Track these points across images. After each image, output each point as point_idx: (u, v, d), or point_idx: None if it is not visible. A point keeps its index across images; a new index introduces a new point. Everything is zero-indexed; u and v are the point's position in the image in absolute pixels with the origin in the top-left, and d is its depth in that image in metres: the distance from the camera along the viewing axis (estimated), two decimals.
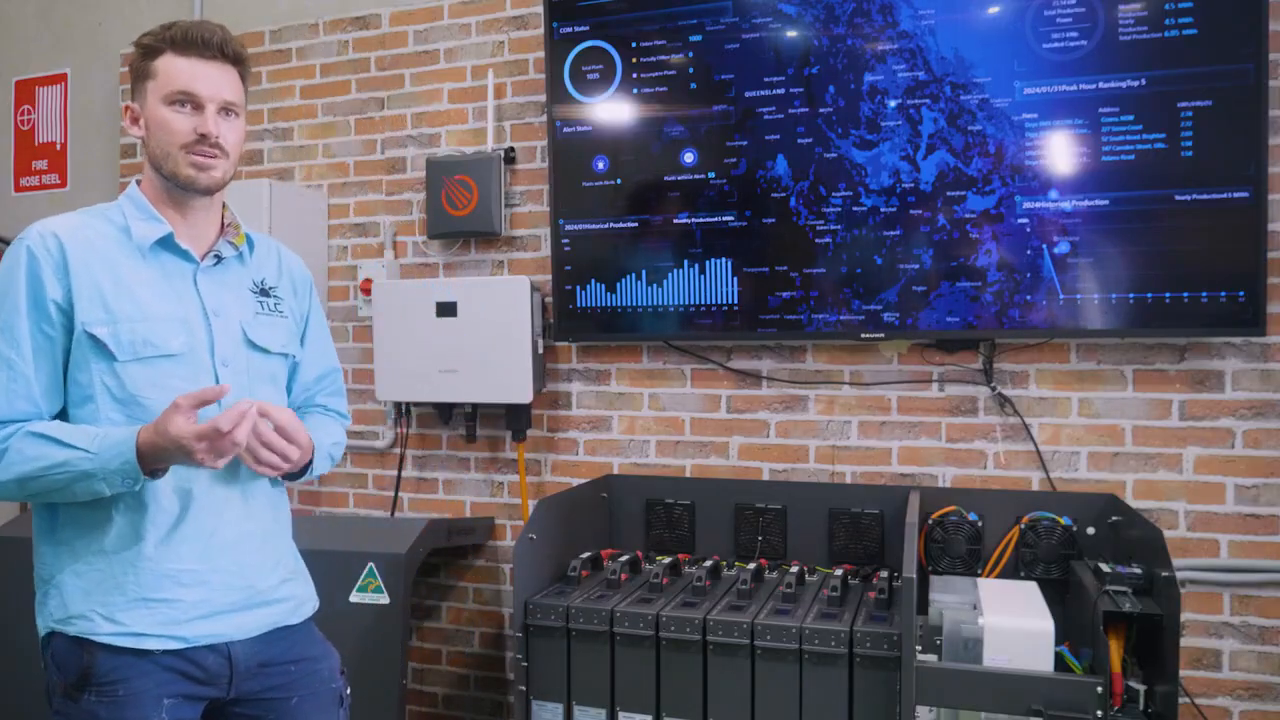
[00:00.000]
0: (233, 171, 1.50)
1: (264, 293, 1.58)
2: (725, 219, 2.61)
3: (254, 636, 1.50)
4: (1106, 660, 1.77)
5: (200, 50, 1.44)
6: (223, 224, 1.55)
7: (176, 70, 1.43)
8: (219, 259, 1.53)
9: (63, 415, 1.43)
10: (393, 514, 3.07)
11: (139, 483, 1.35)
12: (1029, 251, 2.36)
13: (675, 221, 2.67)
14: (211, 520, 1.46)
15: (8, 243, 3.84)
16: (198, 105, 1.44)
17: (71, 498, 1.38)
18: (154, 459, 1.34)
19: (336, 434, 1.70)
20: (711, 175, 2.62)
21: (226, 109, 1.47)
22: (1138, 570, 1.93)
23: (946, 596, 2.04)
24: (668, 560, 2.36)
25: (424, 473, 3.07)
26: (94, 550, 1.41)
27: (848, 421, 2.63)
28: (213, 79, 1.45)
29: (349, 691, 1.64)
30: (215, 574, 1.45)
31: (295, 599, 1.58)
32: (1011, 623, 1.82)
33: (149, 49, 1.45)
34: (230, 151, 1.48)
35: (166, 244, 1.47)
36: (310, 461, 1.54)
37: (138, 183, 1.51)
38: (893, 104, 2.45)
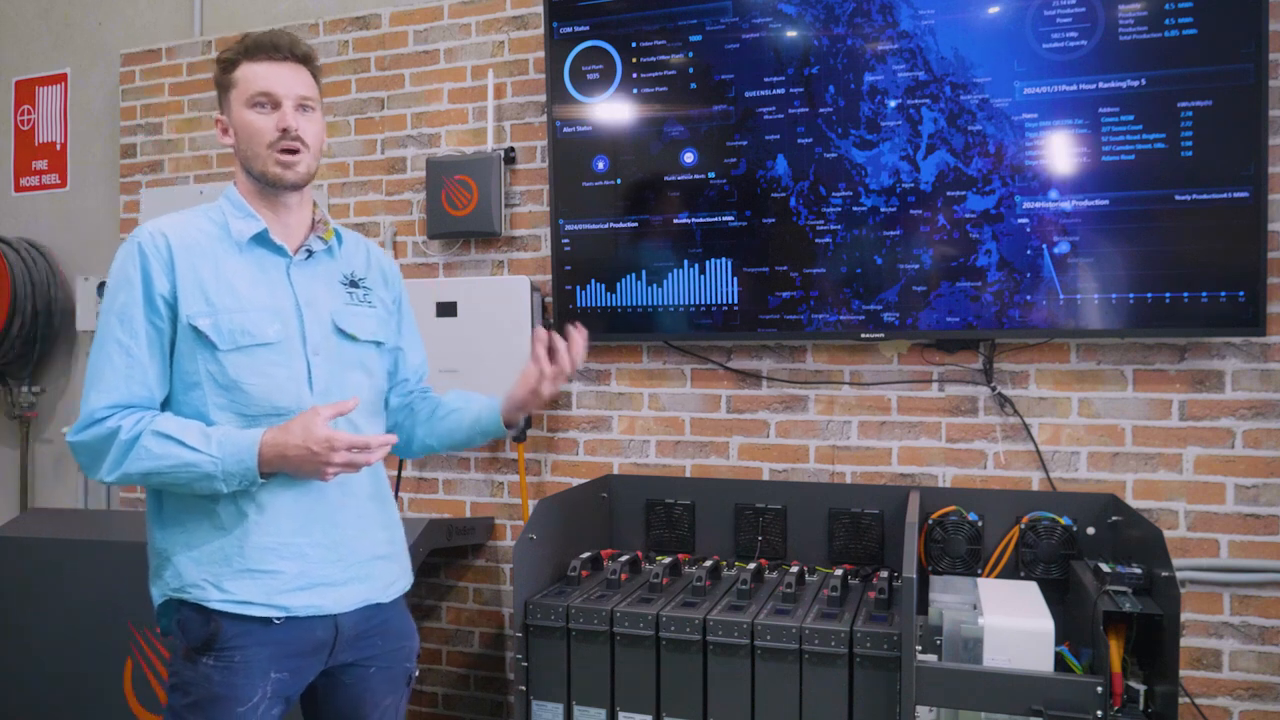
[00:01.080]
0: (316, 165, 1.62)
1: (354, 284, 1.68)
2: (725, 219, 2.61)
3: (355, 610, 1.59)
4: (1106, 660, 1.77)
5: (271, 53, 1.57)
6: (313, 220, 1.66)
7: (253, 75, 1.56)
8: (310, 253, 1.63)
9: (168, 400, 1.54)
10: None
11: (256, 485, 1.48)
12: (1029, 251, 2.36)
13: (675, 221, 2.67)
14: (309, 497, 1.55)
15: (7, 243, 3.82)
16: (276, 103, 1.55)
17: (190, 492, 1.49)
18: (274, 462, 1.46)
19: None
20: (711, 175, 2.62)
21: (302, 104, 1.58)
22: (1138, 570, 1.94)
23: (946, 596, 2.04)
24: (668, 560, 2.36)
25: (424, 472, 3.07)
26: (203, 526, 1.52)
27: (848, 421, 2.63)
28: (286, 78, 1.56)
29: (416, 674, 1.76)
30: (313, 548, 1.55)
31: (387, 576, 1.67)
32: (1011, 623, 1.82)
33: (227, 62, 1.59)
34: (311, 144, 1.58)
35: (261, 239, 1.58)
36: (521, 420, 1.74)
37: (234, 184, 1.63)
38: (893, 104, 2.45)
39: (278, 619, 1.51)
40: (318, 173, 3.23)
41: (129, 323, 1.49)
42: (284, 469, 1.47)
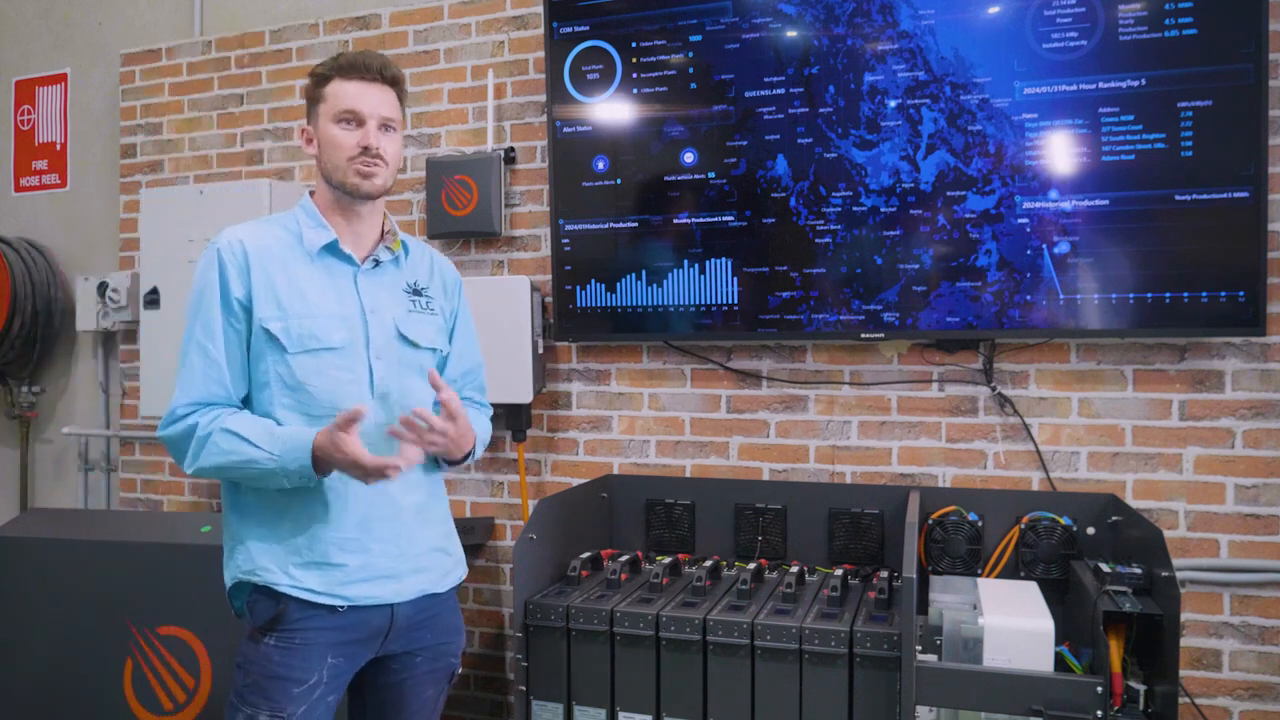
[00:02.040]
0: (393, 180, 1.69)
1: (416, 293, 1.75)
2: (725, 219, 2.61)
3: (410, 600, 1.66)
4: (1106, 660, 1.77)
5: (362, 74, 1.64)
6: (382, 231, 1.73)
7: (343, 93, 1.63)
8: (377, 263, 1.71)
9: (246, 399, 1.63)
10: None
11: (314, 482, 1.56)
12: (1029, 251, 2.36)
13: (675, 221, 2.67)
14: (372, 494, 1.61)
15: (8, 243, 3.82)
16: (360, 122, 1.63)
17: (261, 485, 1.58)
18: (325, 463, 1.53)
19: (486, 427, 1.86)
20: (711, 175, 2.62)
21: (385, 125, 1.66)
22: (1138, 570, 1.94)
23: (946, 596, 2.04)
24: (668, 560, 2.36)
25: None
26: (274, 517, 1.60)
27: (848, 421, 2.63)
28: (373, 99, 1.64)
29: (459, 670, 1.81)
30: (375, 543, 1.62)
31: (442, 567, 1.73)
32: (1011, 623, 1.82)
33: (320, 77, 1.66)
34: (390, 161, 1.66)
35: (332, 249, 1.66)
36: (471, 450, 1.72)
37: (310, 194, 1.71)
38: (893, 104, 2.45)
39: (341, 608, 1.58)
40: (314, 173, 3.23)
41: (208, 326, 1.59)
42: (334, 469, 1.54)
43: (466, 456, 1.72)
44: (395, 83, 1.68)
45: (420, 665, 1.71)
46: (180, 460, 1.59)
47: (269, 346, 1.59)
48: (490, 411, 1.92)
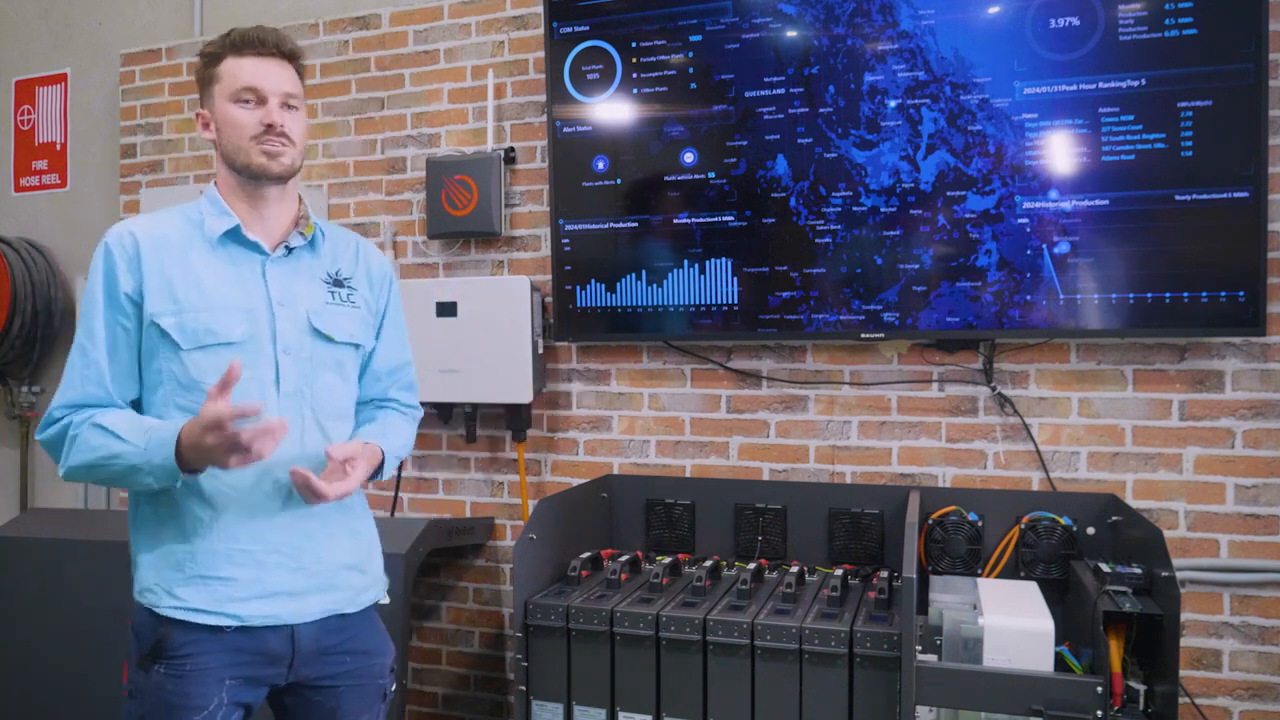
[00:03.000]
0: (301, 161, 1.59)
1: (337, 283, 1.64)
2: (725, 219, 2.61)
3: (314, 621, 1.54)
4: (1106, 660, 1.77)
5: (258, 49, 1.54)
6: (296, 217, 1.62)
7: (239, 69, 1.53)
8: (289, 250, 1.59)
9: (140, 401, 1.52)
10: (393, 514, 3.07)
11: (178, 480, 1.42)
12: (1029, 251, 2.36)
13: (675, 221, 2.67)
14: (269, 502, 1.51)
15: (8, 243, 3.82)
16: (261, 99, 1.53)
17: (132, 487, 1.48)
18: (192, 453, 1.39)
19: (407, 434, 1.76)
20: (711, 175, 2.62)
21: (288, 102, 1.55)
22: (1138, 570, 1.94)
23: (946, 596, 2.04)
24: (668, 560, 2.36)
25: (424, 473, 3.07)
26: (163, 529, 1.50)
27: (848, 421, 2.63)
28: (272, 74, 1.54)
29: (394, 688, 1.69)
30: (270, 554, 1.50)
31: (353, 587, 1.61)
32: (1011, 623, 1.82)
33: (212, 56, 1.56)
34: (297, 141, 1.56)
35: (235, 236, 1.55)
36: (381, 466, 1.62)
37: (214, 183, 1.60)
38: (893, 104, 2.45)
39: (228, 627, 1.47)
40: (316, 172, 3.24)
41: (88, 323, 1.49)
42: (205, 461, 1.39)
43: (377, 473, 1.61)
44: (294, 57, 1.58)
45: (346, 694, 1.59)
46: (57, 463, 1.48)
47: (161, 344, 1.48)
48: (420, 413, 1.82)
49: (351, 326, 1.64)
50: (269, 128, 1.51)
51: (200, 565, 1.47)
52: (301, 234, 1.61)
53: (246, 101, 1.52)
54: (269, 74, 1.53)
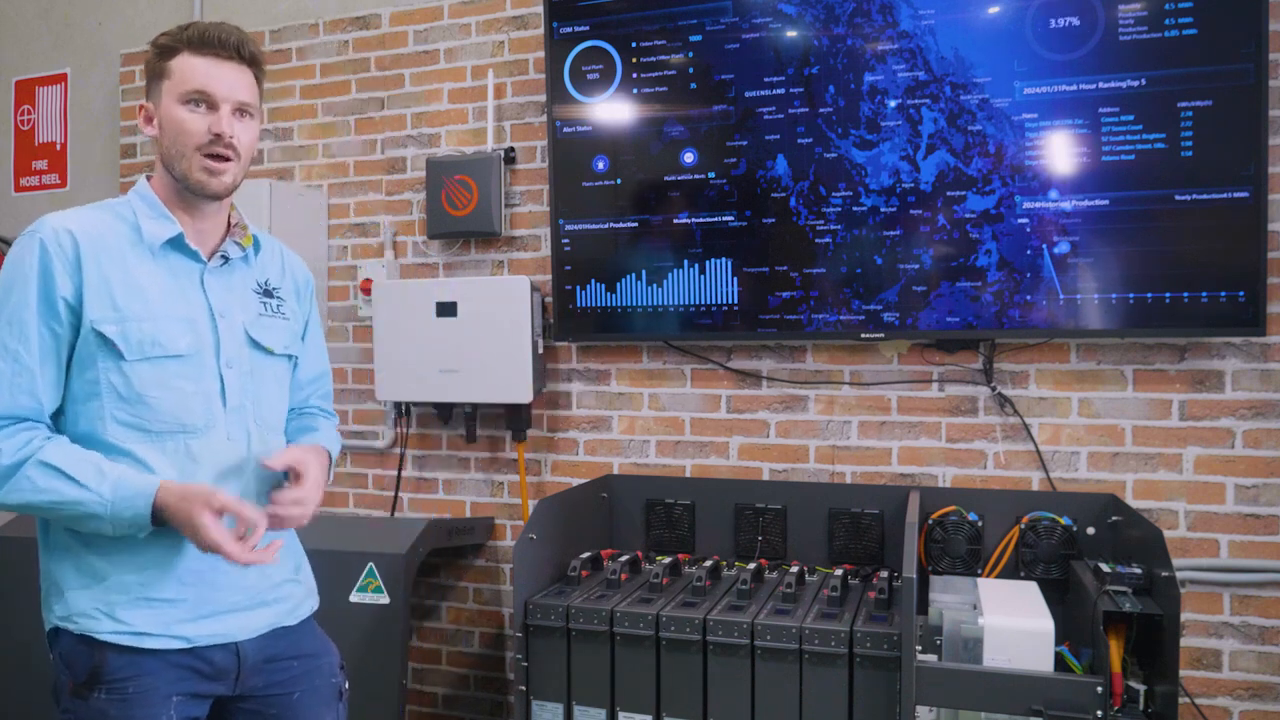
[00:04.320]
0: (243, 176, 1.50)
1: (267, 294, 1.58)
2: (725, 219, 2.61)
3: (258, 636, 1.50)
4: (1106, 660, 1.77)
5: (217, 50, 1.44)
6: (229, 224, 1.54)
7: (192, 70, 1.42)
8: (225, 259, 1.52)
9: (60, 411, 1.42)
10: (393, 514, 3.07)
11: (144, 532, 1.36)
12: (1029, 251, 2.36)
13: (675, 221, 2.67)
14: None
15: (8, 243, 3.84)
16: (212, 105, 1.43)
17: (77, 527, 1.38)
18: (164, 517, 1.35)
19: (337, 439, 1.74)
20: (711, 175, 2.62)
21: (241, 110, 1.46)
22: (1138, 570, 1.94)
23: (946, 596, 2.04)
24: (668, 560, 2.36)
25: (424, 473, 3.07)
26: (94, 549, 1.40)
27: (848, 421, 2.63)
28: (228, 79, 1.44)
29: (348, 686, 1.66)
30: (218, 574, 1.44)
31: (293, 599, 1.59)
32: (1011, 623, 1.82)
33: (165, 49, 1.45)
34: (243, 153, 1.47)
35: (176, 244, 1.47)
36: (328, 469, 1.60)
37: (147, 178, 1.50)
38: (893, 104, 2.45)
39: (174, 650, 1.41)
40: (315, 172, 3.24)
41: (19, 326, 1.36)
42: (178, 529, 1.36)
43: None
44: (254, 62, 1.48)
45: (300, 700, 1.55)
46: None
47: (102, 352, 1.37)
48: (336, 420, 1.79)
49: (285, 338, 1.59)
50: (217, 137, 1.42)
51: (147, 588, 1.39)
52: (239, 244, 1.54)
53: (196, 104, 1.42)
54: (224, 78, 1.43)
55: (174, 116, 1.43)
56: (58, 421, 1.42)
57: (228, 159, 1.44)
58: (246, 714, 1.53)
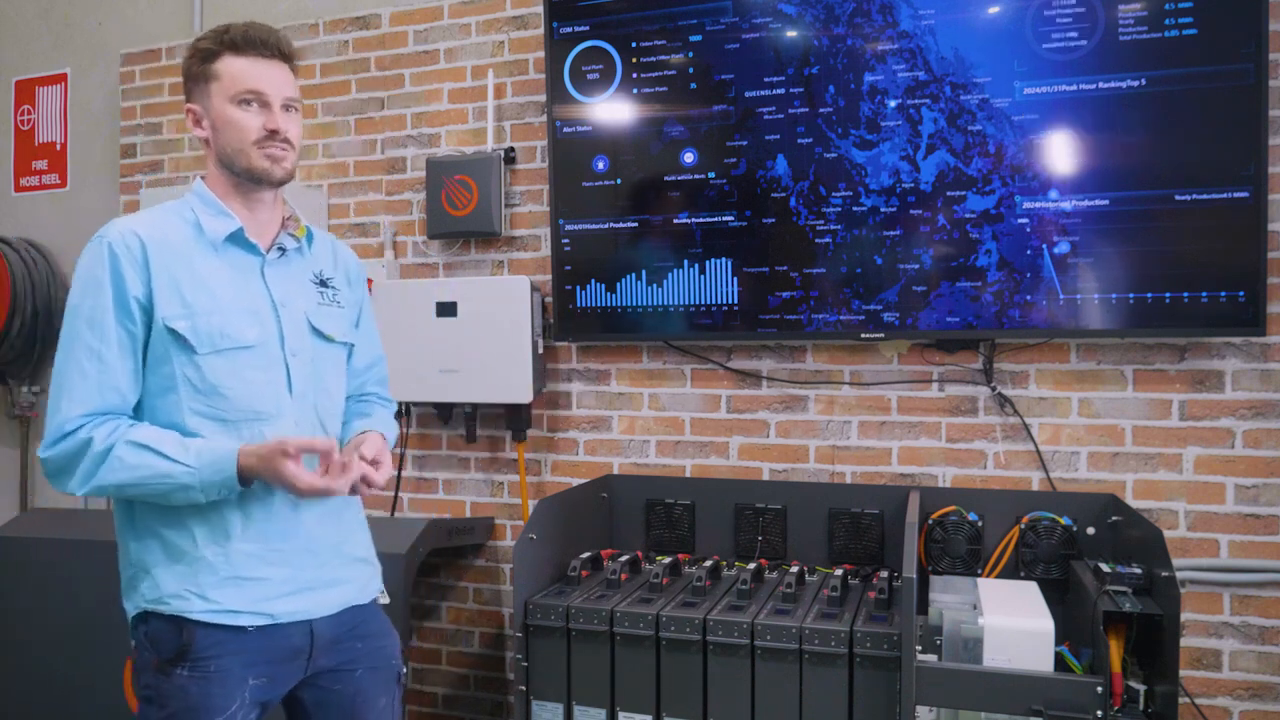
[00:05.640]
0: (296, 164, 1.59)
1: (323, 284, 1.65)
2: (725, 219, 2.61)
3: (332, 614, 1.57)
4: (1106, 660, 1.77)
5: (259, 50, 1.52)
6: (283, 217, 1.62)
7: (241, 71, 1.51)
8: (283, 251, 1.60)
9: (139, 406, 1.49)
10: (393, 514, 3.07)
11: (235, 494, 1.45)
12: (1029, 251, 2.36)
13: (675, 221, 2.67)
14: (292, 502, 1.52)
15: (8, 243, 3.82)
16: (264, 103, 1.51)
17: (165, 502, 1.45)
18: (251, 471, 1.43)
19: (394, 424, 1.81)
20: (711, 175, 2.62)
21: (288, 104, 1.55)
22: (1138, 570, 1.94)
23: (946, 596, 2.04)
24: (668, 560, 2.36)
25: (424, 473, 3.07)
26: (182, 535, 1.47)
27: (848, 421, 2.63)
28: (275, 78, 1.53)
29: (405, 672, 1.73)
30: (296, 554, 1.53)
31: (364, 578, 1.66)
32: (1011, 623, 1.82)
33: (208, 53, 1.52)
34: (295, 145, 1.55)
35: (236, 238, 1.54)
36: None
37: (202, 178, 1.58)
38: (893, 104, 2.45)
39: (252, 627, 1.48)
40: (316, 172, 3.24)
41: (99, 327, 1.44)
42: (264, 480, 1.45)
43: None
44: (291, 58, 1.57)
45: (363, 678, 1.62)
46: (64, 481, 1.42)
47: (175, 347, 1.45)
48: (394, 407, 1.86)
49: (343, 326, 1.66)
50: (273, 133, 1.51)
51: (236, 567, 1.47)
52: (293, 235, 1.61)
53: (248, 103, 1.51)
54: (272, 77, 1.52)
55: (228, 116, 1.51)
56: (138, 416, 1.49)
57: (285, 149, 1.53)
58: (311, 689, 1.59)
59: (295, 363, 1.55)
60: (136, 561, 1.50)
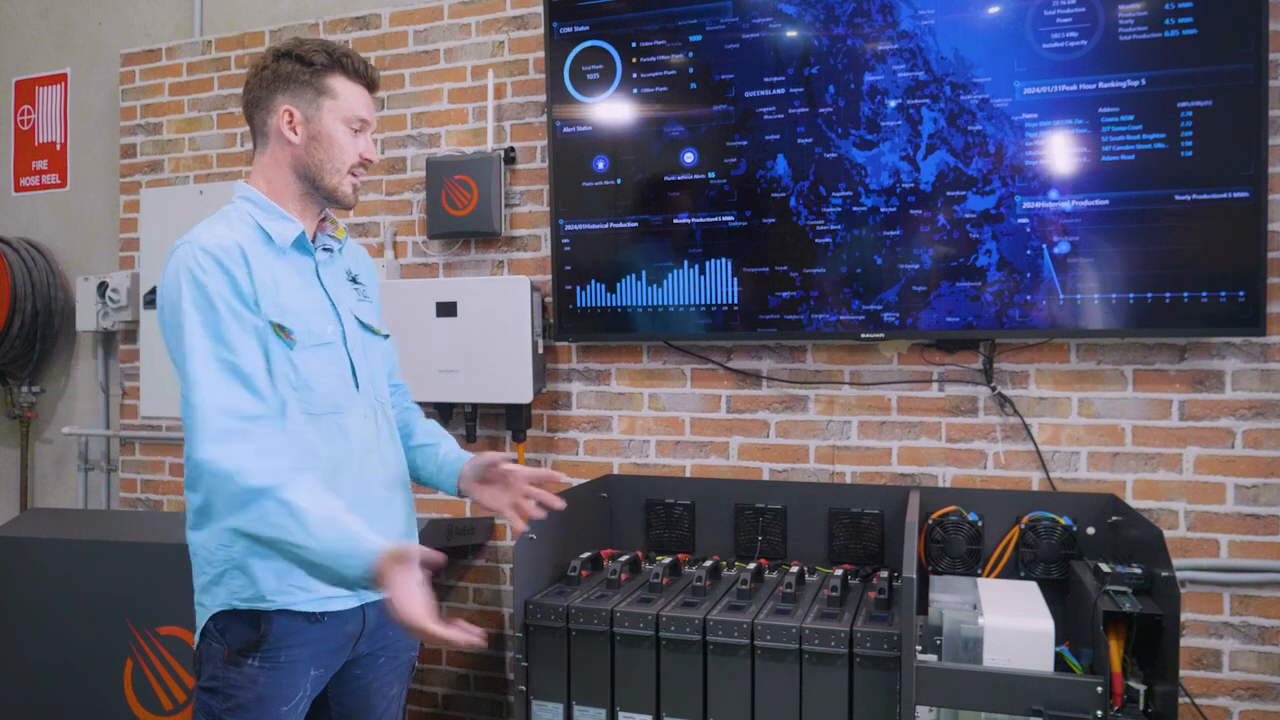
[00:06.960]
0: None
1: (355, 281, 1.71)
2: (725, 219, 2.61)
3: (379, 599, 1.55)
4: (1106, 660, 1.77)
5: (365, 80, 1.60)
6: (318, 219, 1.67)
7: (357, 97, 1.59)
8: (328, 251, 1.65)
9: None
10: None
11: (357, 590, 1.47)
12: (1029, 251, 2.36)
13: (675, 221, 2.67)
14: (371, 489, 1.59)
15: (8, 243, 3.81)
16: (362, 130, 1.60)
17: (291, 562, 1.43)
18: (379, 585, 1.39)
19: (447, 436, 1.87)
20: (711, 175, 2.62)
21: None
22: (1138, 570, 1.94)
23: (946, 596, 2.04)
24: (668, 560, 2.36)
25: None
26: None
27: (848, 421, 2.63)
28: (372, 108, 1.63)
29: (416, 663, 1.77)
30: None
31: None
32: (1011, 623, 1.82)
33: (321, 66, 1.56)
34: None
35: (298, 241, 1.59)
36: None
37: (245, 182, 1.61)
38: (893, 104, 2.45)
39: (330, 613, 1.52)
40: None
41: (238, 327, 1.45)
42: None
43: None
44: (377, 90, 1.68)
45: (383, 665, 1.66)
46: (212, 504, 1.42)
47: (275, 345, 1.49)
48: (420, 413, 1.90)
49: (378, 319, 1.73)
50: (366, 161, 1.60)
51: None
52: (333, 236, 1.67)
53: (358, 130, 1.59)
54: (371, 108, 1.62)
55: (336, 137, 1.57)
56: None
57: (361, 176, 1.63)
58: (339, 674, 1.62)
59: (357, 357, 1.61)
60: (227, 560, 1.49)
